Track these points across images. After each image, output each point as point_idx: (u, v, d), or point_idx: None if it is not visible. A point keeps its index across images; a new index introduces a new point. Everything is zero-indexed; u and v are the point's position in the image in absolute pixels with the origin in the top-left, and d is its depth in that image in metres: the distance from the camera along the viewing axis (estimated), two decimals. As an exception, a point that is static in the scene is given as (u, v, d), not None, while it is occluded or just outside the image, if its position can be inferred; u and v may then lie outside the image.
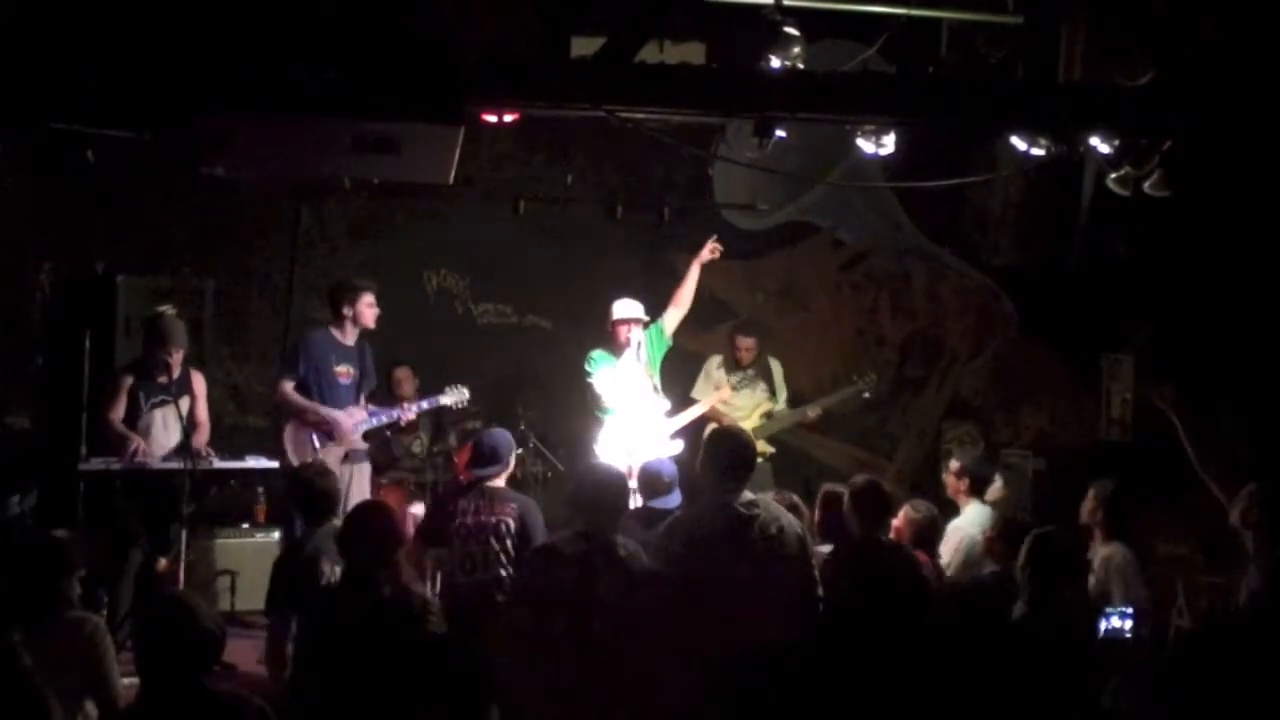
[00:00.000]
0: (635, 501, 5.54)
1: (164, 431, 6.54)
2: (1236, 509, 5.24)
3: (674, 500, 5.52)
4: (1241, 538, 5.33)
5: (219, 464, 6.55)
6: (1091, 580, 5.46)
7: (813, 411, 8.12)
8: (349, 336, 6.98)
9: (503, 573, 5.22)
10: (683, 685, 4.35)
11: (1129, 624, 4.76)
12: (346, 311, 6.95)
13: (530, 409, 8.22)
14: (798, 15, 5.95)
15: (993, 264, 9.57)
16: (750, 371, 8.11)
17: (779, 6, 5.94)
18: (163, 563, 6.47)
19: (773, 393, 8.12)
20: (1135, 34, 6.27)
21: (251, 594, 7.05)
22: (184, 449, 6.34)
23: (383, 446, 7.71)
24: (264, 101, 5.32)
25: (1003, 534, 5.57)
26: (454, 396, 7.26)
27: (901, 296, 9.66)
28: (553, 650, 4.29)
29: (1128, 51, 6.24)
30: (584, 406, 7.11)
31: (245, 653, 5.84)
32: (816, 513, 5.82)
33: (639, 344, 6.95)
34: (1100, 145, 6.13)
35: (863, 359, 9.29)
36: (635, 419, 6.91)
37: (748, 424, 7.71)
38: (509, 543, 5.28)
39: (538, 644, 4.31)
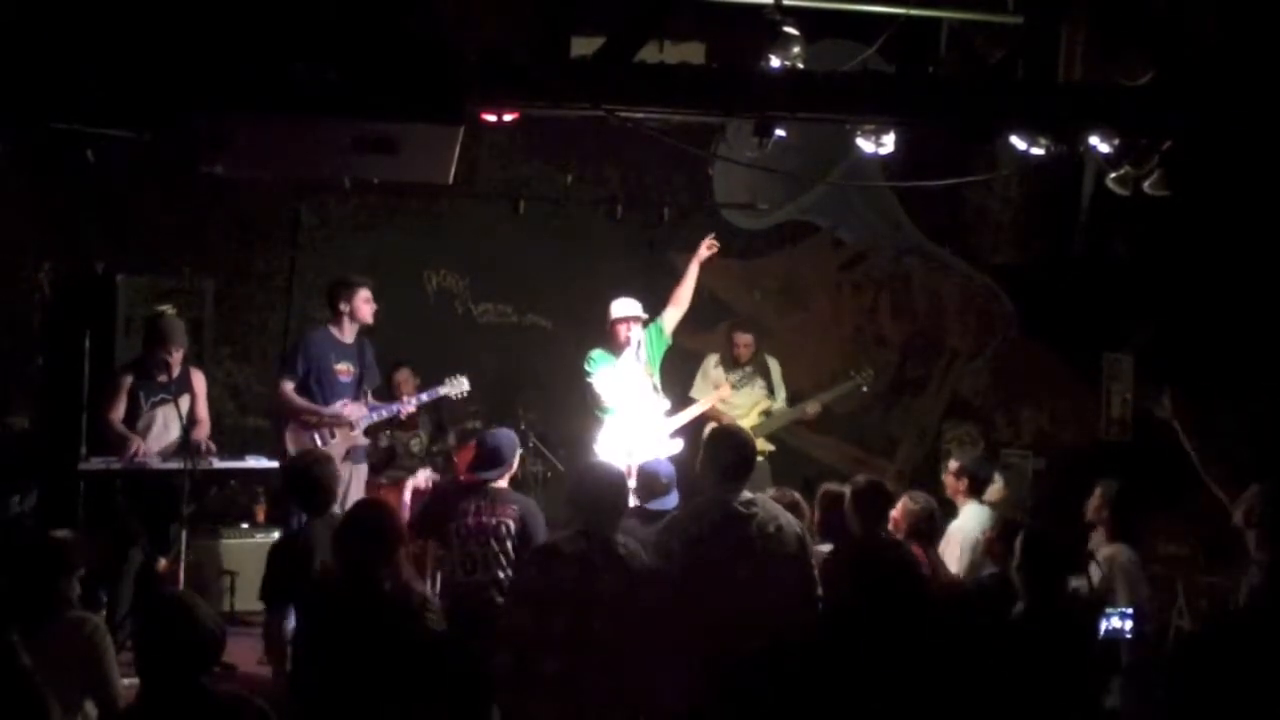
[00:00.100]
0: (633, 503, 5.54)
1: (164, 431, 6.54)
2: (1240, 509, 5.24)
3: (671, 501, 5.52)
4: (1244, 537, 5.33)
5: (219, 464, 6.55)
6: (1095, 580, 5.47)
7: (811, 408, 8.11)
8: (348, 334, 6.98)
9: (501, 574, 5.22)
10: (683, 685, 4.36)
11: (1129, 624, 4.76)
12: (343, 308, 6.95)
13: (530, 409, 8.22)
14: (798, 15, 5.95)
15: (993, 263, 9.58)
16: (749, 369, 8.11)
17: (779, 6, 5.93)
18: (163, 563, 6.47)
19: (771, 391, 8.12)
20: (1135, 34, 6.27)
21: (251, 594, 7.01)
22: (184, 448, 6.34)
23: (381, 445, 7.70)
24: (264, 101, 5.32)
25: (1003, 535, 5.58)
26: (454, 387, 7.25)
27: (901, 296, 9.67)
28: (553, 650, 4.29)
29: (1128, 51, 6.24)
30: (584, 406, 7.11)
31: (245, 653, 5.84)
32: (816, 512, 5.82)
33: (639, 343, 6.94)
34: (1100, 145, 6.13)
35: (862, 359, 9.28)
36: (635, 418, 6.90)
37: (746, 422, 7.72)
38: (509, 544, 5.28)
39: (538, 644, 4.31)
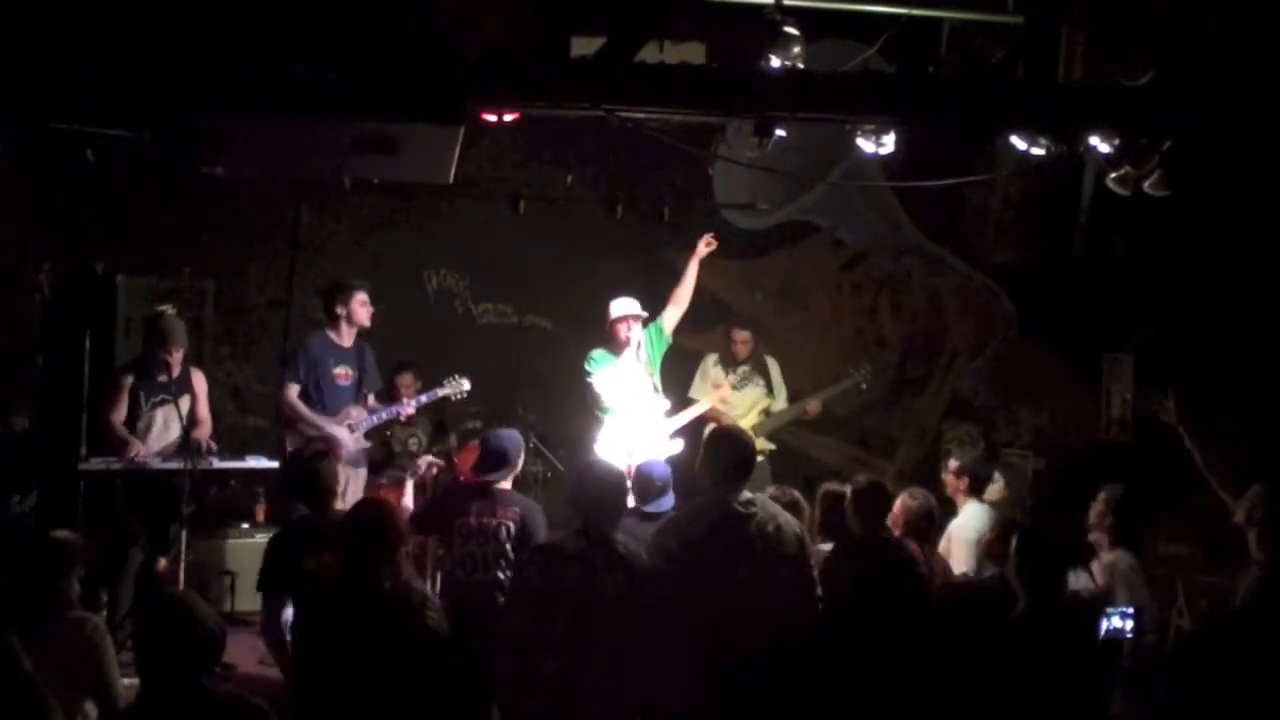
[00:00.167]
0: (629, 504, 5.52)
1: (164, 431, 6.55)
2: (1241, 508, 5.24)
3: (667, 503, 5.52)
4: (1245, 536, 5.32)
5: (219, 464, 6.56)
6: (1096, 585, 5.47)
7: (811, 406, 8.10)
8: (346, 338, 6.99)
9: (501, 574, 5.22)
10: (683, 685, 4.36)
11: (1129, 624, 4.76)
12: (340, 311, 6.96)
13: (530, 409, 8.22)
14: (798, 15, 5.95)
15: (993, 263, 9.58)
16: (748, 368, 8.10)
17: (779, 6, 5.93)
18: (163, 563, 6.47)
19: (770, 391, 8.11)
20: (1135, 34, 6.27)
21: (251, 594, 7.02)
22: (184, 448, 6.34)
23: (380, 445, 7.70)
24: (264, 101, 5.32)
25: (1003, 535, 5.57)
26: (453, 388, 7.26)
27: (901, 296, 9.67)
28: (553, 650, 4.29)
29: (1128, 51, 6.24)
30: (584, 406, 7.11)
31: (245, 653, 5.85)
32: (817, 512, 5.82)
33: (639, 343, 6.95)
34: (1100, 145, 6.13)
35: (862, 359, 9.29)
36: (635, 418, 6.91)
37: (746, 421, 7.71)
38: (508, 546, 5.28)
39: (538, 644, 4.31)
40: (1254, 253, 7.83)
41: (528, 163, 8.88)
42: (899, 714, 4.48)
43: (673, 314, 7.24)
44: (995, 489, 7.01)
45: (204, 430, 6.66)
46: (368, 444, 7.05)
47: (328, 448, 6.64)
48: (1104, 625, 4.72)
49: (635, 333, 6.94)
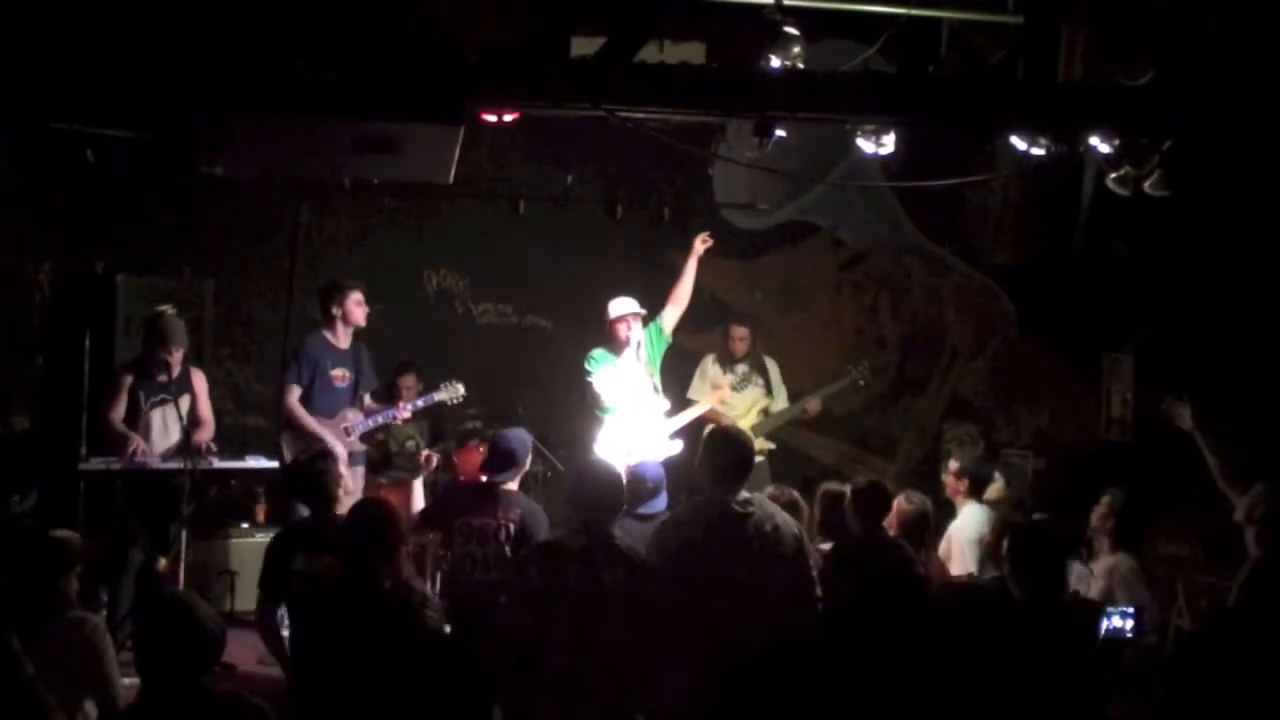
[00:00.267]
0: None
1: (164, 431, 6.54)
2: (1243, 506, 5.25)
3: (660, 504, 5.52)
4: (1245, 534, 5.33)
5: (219, 464, 6.55)
6: (1096, 589, 5.48)
7: (811, 405, 8.09)
8: (343, 339, 6.99)
9: (500, 575, 5.22)
10: (682, 685, 4.36)
11: (1129, 624, 4.77)
12: (336, 312, 6.96)
13: (530, 409, 8.21)
14: (798, 15, 5.95)
15: (993, 263, 9.57)
16: (746, 367, 8.09)
17: (779, 6, 5.93)
18: (163, 563, 6.47)
19: (769, 391, 8.10)
20: (1135, 34, 6.27)
21: (251, 594, 7.01)
22: (184, 448, 6.33)
23: (378, 444, 7.69)
24: (264, 101, 5.32)
25: (1003, 537, 5.57)
26: (449, 392, 7.27)
27: (901, 296, 9.66)
28: (555, 649, 4.29)
29: (1128, 51, 6.24)
30: (584, 406, 7.11)
31: (245, 653, 5.85)
32: (817, 512, 5.82)
33: (639, 342, 6.95)
34: (1100, 145, 6.14)
35: (861, 357, 9.30)
36: (635, 418, 6.91)
37: (745, 422, 7.71)
38: (507, 547, 5.29)
39: (539, 643, 4.31)
40: (1254, 253, 7.83)
41: (528, 163, 8.87)
42: (898, 714, 4.48)
43: (672, 313, 7.24)
44: (995, 489, 7.01)
45: (207, 430, 6.66)
46: (363, 448, 7.04)
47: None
48: (1104, 625, 4.73)
49: (635, 331, 6.94)
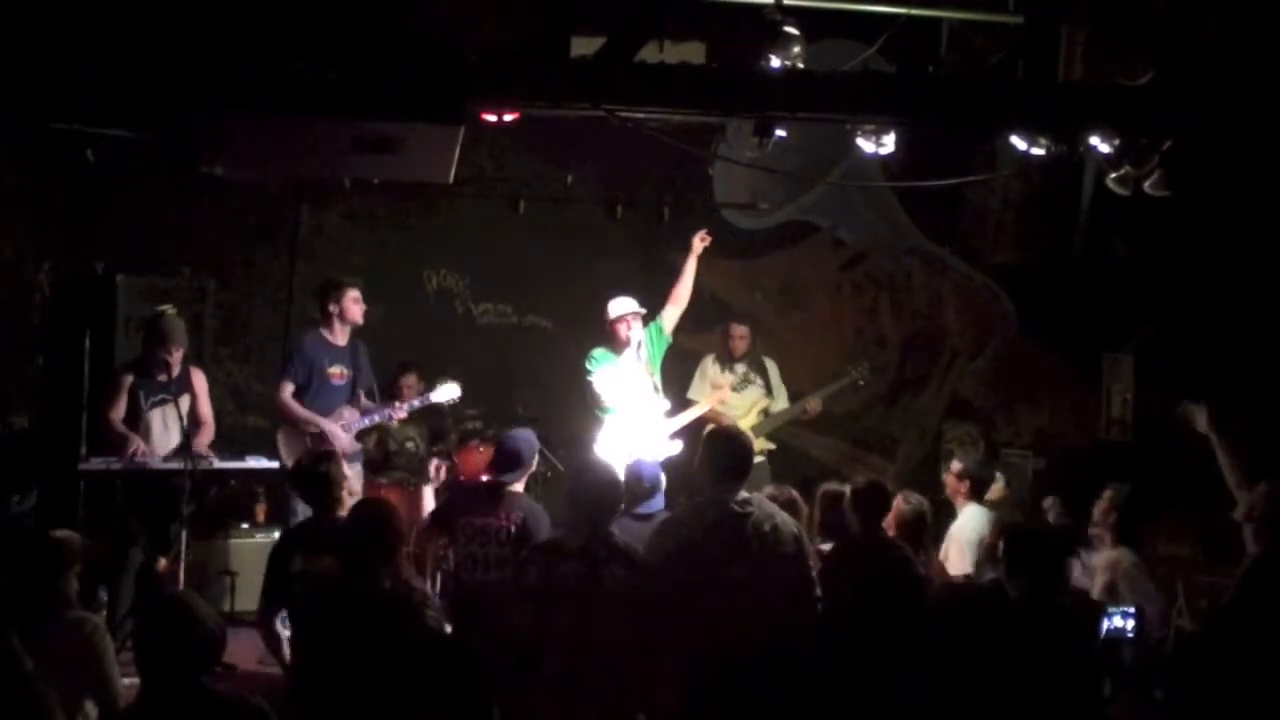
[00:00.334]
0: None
1: (164, 431, 6.54)
2: (1244, 505, 5.26)
3: (657, 503, 5.51)
4: (1244, 532, 5.33)
5: (219, 464, 6.55)
6: (1098, 584, 5.48)
7: (811, 405, 8.09)
8: (340, 337, 6.99)
9: (499, 575, 5.22)
10: (682, 684, 4.36)
11: (1130, 624, 4.77)
12: (333, 309, 6.95)
13: (530, 409, 8.21)
14: (798, 15, 5.95)
15: (993, 263, 9.58)
16: (745, 367, 8.09)
17: (779, 6, 5.94)
18: (163, 563, 6.46)
19: (769, 391, 8.10)
20: (1135, 34, 6.27)
21: (251, 594, 7.00)
22: (184, 448, 6.33)
23: (377, 444, 7.69)
24: (264, 101, 5.32)
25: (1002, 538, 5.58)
26: (445, 394, 7.27)
27: (901, 296, 9.66)
28: (555, 649, 4.29)
29: (1128, 51, 6.24)
30: (584, 406, 7.11)
31: (245, 653, 5.84)
32: (817, 512, 5.82)
33: (639, 342, 6.95)
34: (1100, 145, 6.14)
35: (863, 358, 9.30)
36: (635, 418, 6.90)
37: (745, 422, 7.70)
38: (508, 549, 5.28)
39: (540, 643, 4.31)
40: (1254, 253, 7.82)
41: (528, 163, 8.87)
42: (897, 715, 4.49)
43: (672, 313, 7.24)
44: (995, 489, 7.02)
45: (207, 432, 6.66)
46: (358, 446, 7.05)
47: (331, 447, 6.67)
48: (1105, 625, 4.73)
49: (635, 331, 6.95)
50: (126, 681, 3.89)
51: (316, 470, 5.26)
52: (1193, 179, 6.56)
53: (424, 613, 4.24)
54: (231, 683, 5.20)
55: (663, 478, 5.66)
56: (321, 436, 6.74)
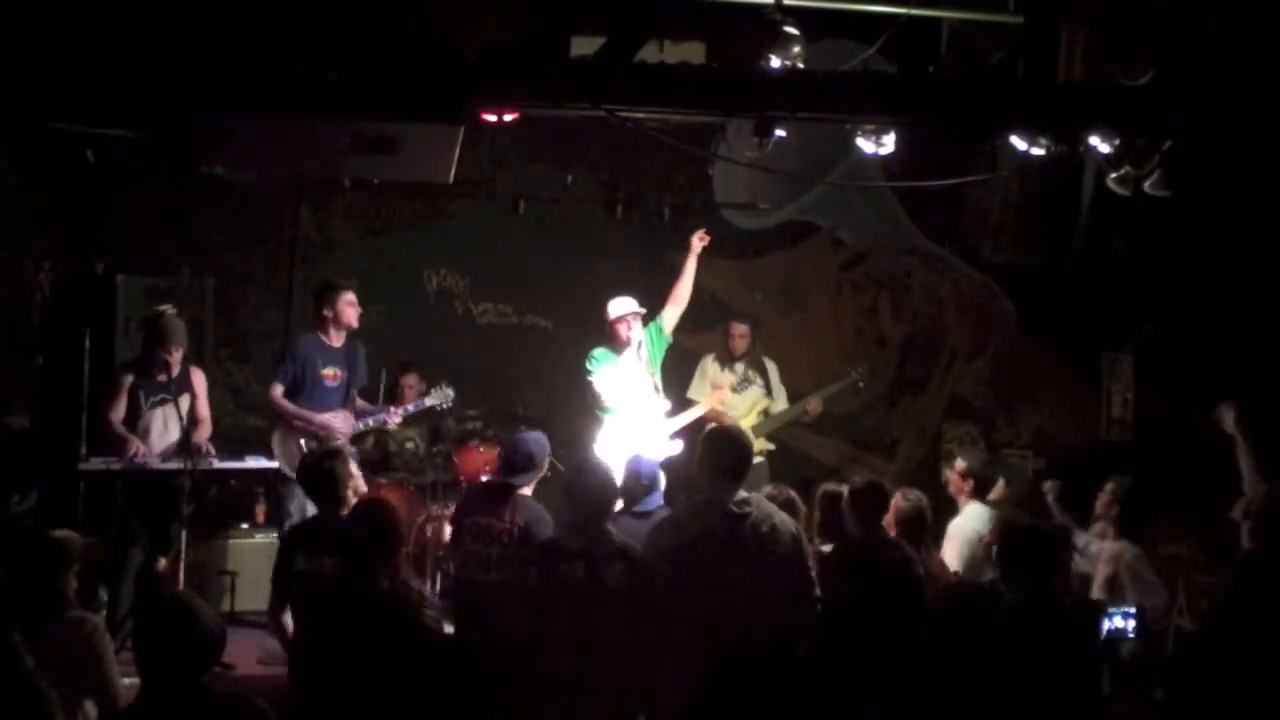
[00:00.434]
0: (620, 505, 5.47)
1: (164, 430, 6.54)
2: (1243, 503, 5.27)
3: (656, 500, 5.50)
4: (1240, 529, 5.35)
5: (219, 464, 6.55)
6: (1100, 577, 5.49)
7: (811, 405, 8.09)
8: (335, 338, 7.00)
9: (499, 576, 5.23)
10: (680, 684, 4.36)
11: (1131, 624, 4.76)
12: (327, 313, 6.97)
13: (530, 409, 8.22)
14: (798, 15, 5.95)
15: (993, 264, 9.58)
16: (745, 366, 8.09)
17: (779, 6, 5.94)
18: (163, 563, 6.46)
19: (769, 391, 8.10)
20: (1135, 34, 6.27)
21: (251, 594, 7.04)
22: (184, 448, 6.34)
23: (376, 444, 7.70)
24: (264, 101, 5.32)
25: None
26: (439, 397, 7.29)
27: (901, 296, 9.67)
28: (555, 649, 4.29)
29: (1128, 51, 6.24)
30: (584, 406, 7.11)
31: (245, 653, 5.84)
32: (817, 513, 5.81)
33: (639, 342, 6.95)
34: (1100, 145, 6.14)
35: (863, 358, 9.30)
36: (635, 418, 6.90)
37: (745, 422, 7.69)
38: (510, 551, 5.29)
39: (540, 643, 4.31)
40: (1254, 253, 7.83)
41: (528, 163, 8.88)
42: (897, 715, 4.48)
43: (672, 313, 7.24)
44: (995, 489, 7.00)
45: (204, 430, 6.65)
46: (353, 450, 7.05)
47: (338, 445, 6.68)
48: (1106, 625, 4.73)
49: (636, 331, 6.95)
50: (126, 681, 3.90)
51: (322, 466, 5.26)
52: (1193, 179, 6.56)
53: (422, 613, 4.24)
54: (231, 683, 5.21)
55: (661, 475, 5.65)
56: (317, 436, 6.74)
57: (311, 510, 6.50)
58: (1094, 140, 6.11)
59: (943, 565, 5.99)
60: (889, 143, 6.25)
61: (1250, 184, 7.48)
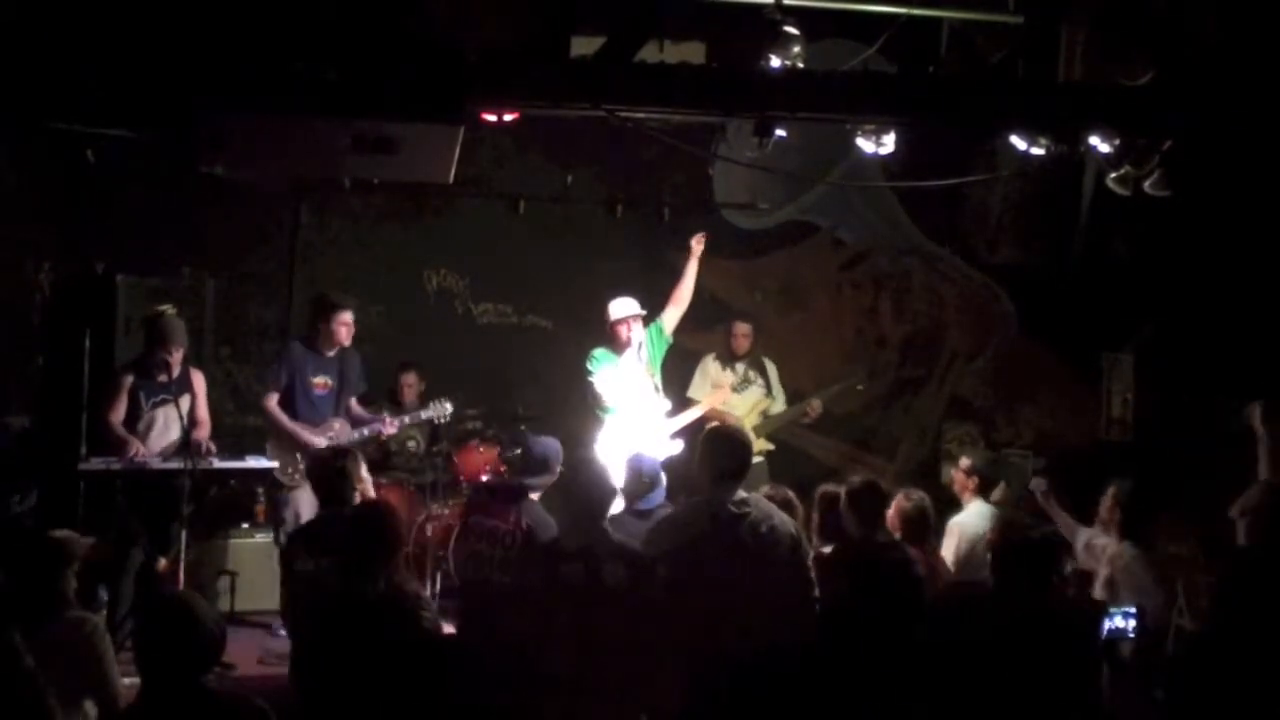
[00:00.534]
0: (621, 504, 5.47)
1: (164, 431, 6.54)
2: (1240, 501, 5.27)
3: (657, 498, 5.49)
4: (1237, 527, 5.35)
5: (219, 464, 6.55)
6: (1101, 577, 5.49)
7: (812, 406, 8.08)
8: (326, 349, 6.99)
9: (500, 576, 5.23)
10: (682, 685, 4.36)
11: (1132, 624, 4.76)
12: (321, 326, 6.98)
13: (530, 409, 8.22)
14: (798, 14, 5.95)
15: (993, 263, 9.58)
16: (746, 366, 8.09)
17: (779, 6, 5.93)
18: (163, 563, 6.46)
19: (770, 392, 8.10)
20: (1135, 34, 6.27)
21: (251, 594, 7.06)
22: (184, 448, 6.33)
23: (377, 444, 7.70)
24: (264, 101, 5.32)
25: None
26: (436, 411, 7.30)
27: (901, 296, 9.67)
28: (556, 649, 4.29)
29: (1128, 51, 6.24)
30: (584, 406, 7.11)
31: (245, 653, 5.85)
32: (815, 514, 5.81)
33: (640, 343, 6.95)
34: (1100, 145, 6.14)
35: (863, 359, 9.31)
36: (636, 418, 6.90)
37: (746, 423, 7.70)
38: (511, 553, 5.28)
39: (541, 643, 4.31)
40: (1254, 253, 7.82)
41: (528, 163, 8.88)
42: (896, 716, 4.48)
43: (673, 314, 7.24)
44: (996, 490, 7.01)
45: (203, 431, 6.65)
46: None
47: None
48: (1106, 625, 4.72)
49: (636, 332, 6.95)
50: (126, 681, 3.90)
51: (334, 465, 5.27)
52: (1193, 179, 6.56)
53: (419, 614, 4.24)
54: (231, 683, 5.21)
55: (662, 473, 5.65)
56: (307, 447, 6.75)
57: (305, 517, 6.57)
58: (1094, 140, 6.11)
59: (943, 565, 5.99)
60: (889, 143, 6.25)
61: (1250, 184, 7.47)
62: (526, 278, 8.92)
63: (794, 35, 5.83)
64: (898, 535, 5.51)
